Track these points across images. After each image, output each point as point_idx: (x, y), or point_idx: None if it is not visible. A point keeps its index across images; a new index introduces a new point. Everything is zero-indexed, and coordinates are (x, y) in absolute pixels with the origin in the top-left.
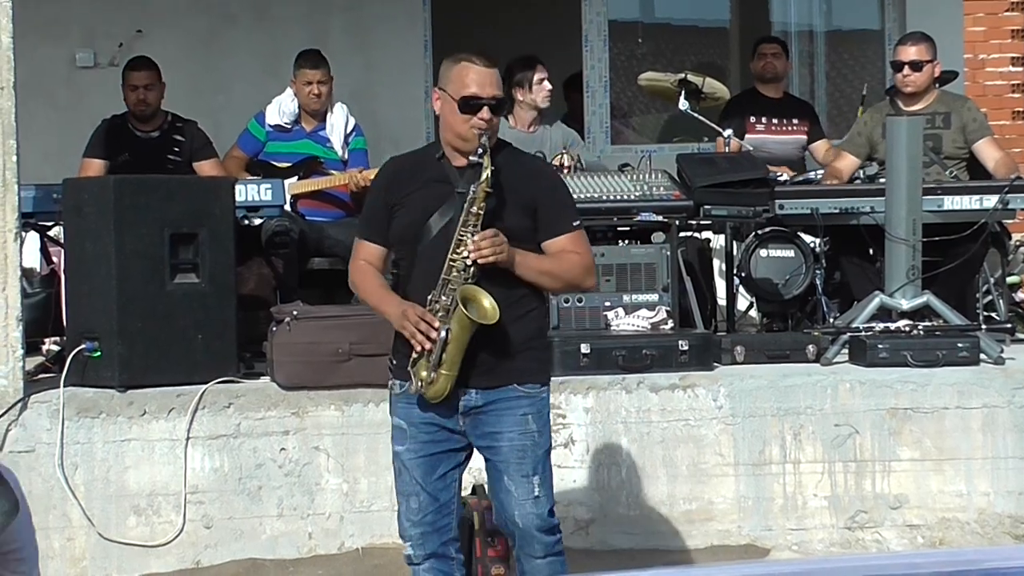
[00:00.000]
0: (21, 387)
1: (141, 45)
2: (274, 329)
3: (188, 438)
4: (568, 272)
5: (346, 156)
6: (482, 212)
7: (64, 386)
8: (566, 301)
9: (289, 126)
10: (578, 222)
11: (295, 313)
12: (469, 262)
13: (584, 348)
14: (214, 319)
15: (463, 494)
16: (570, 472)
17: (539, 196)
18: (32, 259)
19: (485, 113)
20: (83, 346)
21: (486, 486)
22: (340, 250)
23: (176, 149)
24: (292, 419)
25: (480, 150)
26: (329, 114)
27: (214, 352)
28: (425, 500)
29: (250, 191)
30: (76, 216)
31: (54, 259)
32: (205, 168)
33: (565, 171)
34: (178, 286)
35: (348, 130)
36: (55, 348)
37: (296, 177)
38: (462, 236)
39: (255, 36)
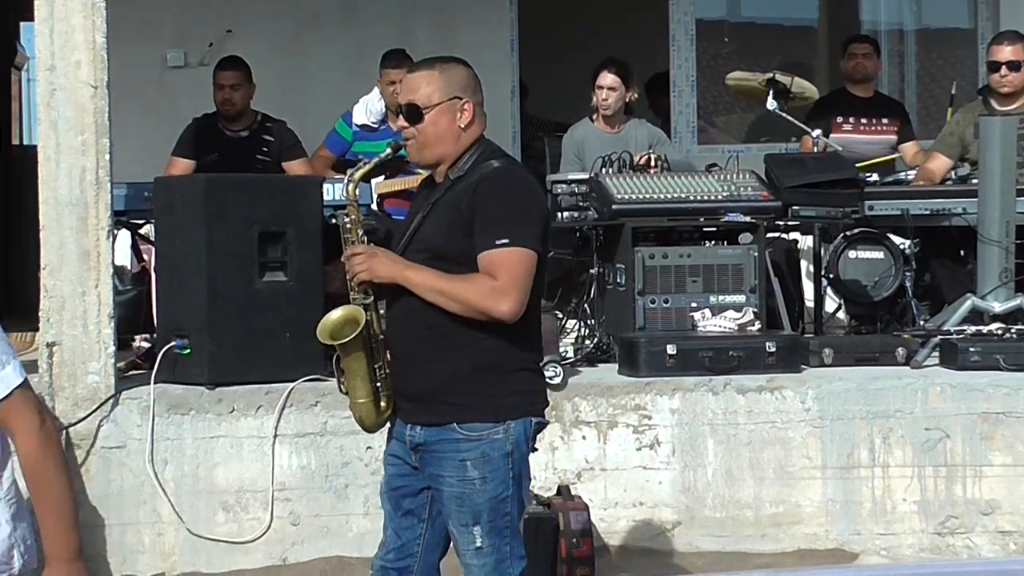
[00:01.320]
0: (113, 383)
1: (231, 45)
2: None
3: (276, 435)
4: (464, 295)
5: None
6: (354, 227)
7: (154, 383)
8: (652, 302)
9: (376, 125)
10: (507, 239)
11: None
12: (355, 281)
13: (670, 349)
14: (302, 317)
15: (548, 495)
16: (655, 473)
17: (475, 211)
18: (123, 257)
19: (399, 121)
20: (173, 343)
21: (570, 487)
22: None
23: (265, 149)
24: None
25: (360, 161)
26: None
27: (301, 350)
28: (390, 536)
29: (337, 190)
30: (167, 214)
31: (145, 257)
32: (294, 167)
33: (651, 171)
34: (266, 284)
35: None
36: (145, 345)
37: (382, 176)
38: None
39: (342, 36)
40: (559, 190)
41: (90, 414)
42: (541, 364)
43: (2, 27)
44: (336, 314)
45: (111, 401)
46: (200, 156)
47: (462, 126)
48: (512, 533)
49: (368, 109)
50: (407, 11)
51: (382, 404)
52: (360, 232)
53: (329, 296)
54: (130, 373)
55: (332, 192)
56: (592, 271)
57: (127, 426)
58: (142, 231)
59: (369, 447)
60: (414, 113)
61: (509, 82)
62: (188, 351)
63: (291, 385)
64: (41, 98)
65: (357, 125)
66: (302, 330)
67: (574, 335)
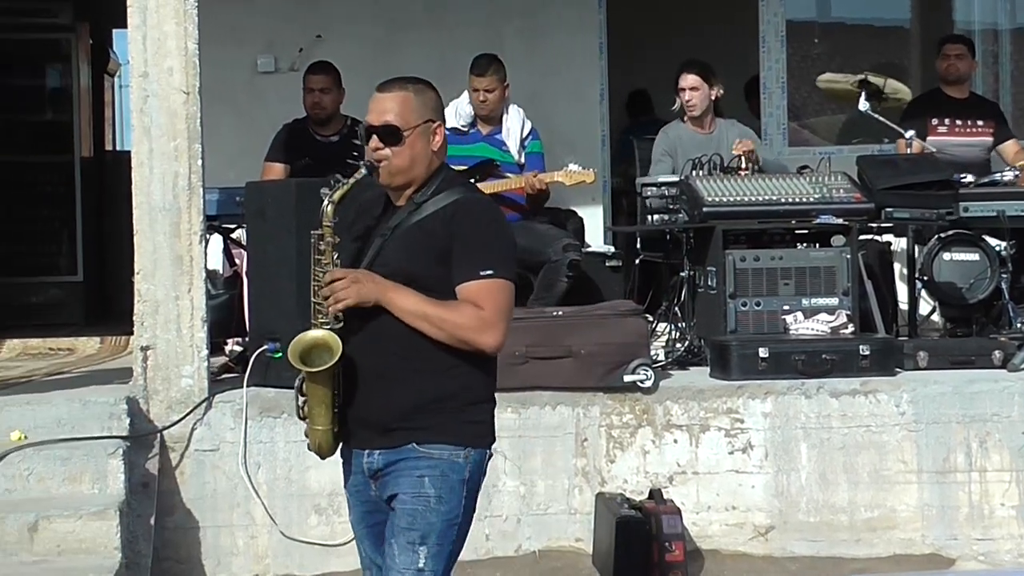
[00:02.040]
0: (206, 387)
1: (320, 51)
2: None
3: None
4: (451, 323)
5: (522, 159)
6: (328, 250)
7: (247, 386)
8: (743, 305)
9: (466, 129)
10: (491, 271)
11: None
12: (328, 306)
13: (762, 352)
14: None
15: (640, 498)
16: (748, 477)
17: (454, 238)
18: (215, 261)
19: (372, 142)
20: (265, 347)
21: (662, 491)
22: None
23: (355, 153)
24: None
25: (332, 181)
26: (505, 117)
27: None
28: (378, 575)
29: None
30: (258, 219)
31: (237, 261)
32: None
33: (742, 173)
34: None
35: (524, 134)
36: (238, 349)
37: (472, 180)
38: (317, 279)
39: (431, 41)
40: (649, 193)
41: (184, 417)
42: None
43: (95, 34)
44: (311, 336)
45: (204, 404)
46: (292, 161)
47: (435, 149)
48: (452, 565)
49: (458, 112)
50: (495, 15)
51: (335, 430)
52: (335, 256)
53: None
54: (222, 376)
55: None
56: (683, 274)
57: (220, 429)
58: (234, 235)
59: None
60: (393, 134)
61: (598, 86)
62: (280, 354)
63: None
64: (134, 104)
65: (447, 128)
66: None
67: (665, 338)
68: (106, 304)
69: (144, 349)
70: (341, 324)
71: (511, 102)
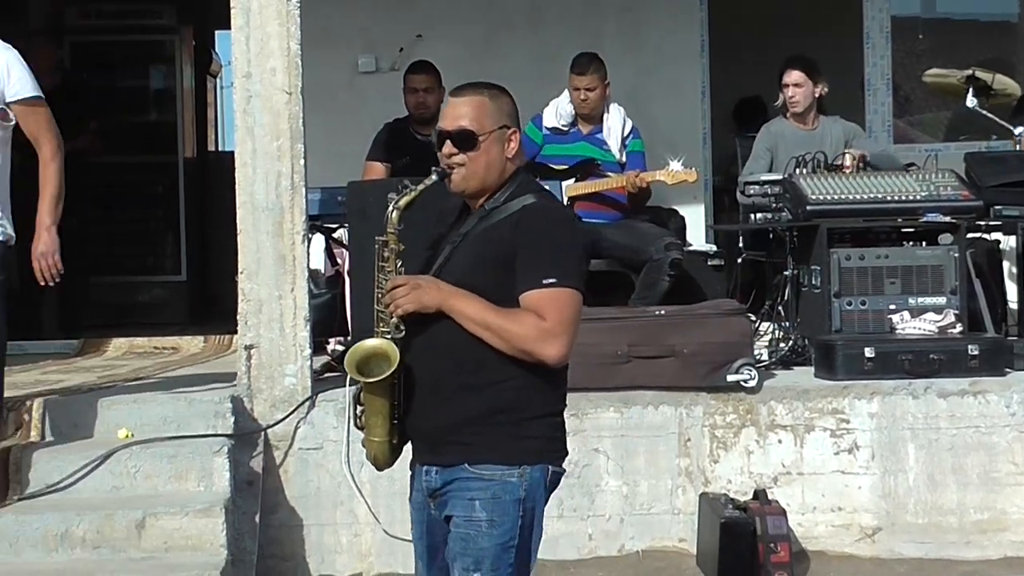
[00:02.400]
0: (309, 386)
1: (420, 50)
2: None
3: None
4: (511, 332)
5: (623, 158)
6: (392, 257)
7: (349, 385)
8: (848, 304)
9: (566, 128)
10: (554, 279)
11: None
12: (390, 314)
13: (868, 352)
14: None
15: (744, 499)
16: (855, 478)
17: (517, 247)
18: (318, 261)
19: (445, 147)
20: None
21: (767, 492)
22: (617, 252)
23: None
24: (571, 421)
25: (400, 187)
26: (606, 116)
27: None
28: None
29: None
30: (360, 218)
31: (339, 261)
32: None
33: (847, 171)
34: None
35: (625, 133)
36: (340, 348)
37: (573, 179)
38: (380, 286)
39: (531, 39)
40: (752, 191)
41: (287, 416)
42: (564, 409)
43: (198, 36)
44: (368, 344)
45: (308, 403)
46: (393, 160)
47: (509, 156)
48: None
49: (558, 112)
50: (595, 13)
51: (394, 441)
52: (399, 264)
53: None
54: (325, 376)
55: None
56: (786, 273)
57: (323, 428)
58: (336, 235)
59: None
60: (469, 139)
61: (699, 83)
62: None
63: None
64: (238, 104)
65: (547, 128)
66: None
67: (768, 337)
68: (209, 303)
69: (248, 348)
70: (403, 333)
71: (612, 100)
